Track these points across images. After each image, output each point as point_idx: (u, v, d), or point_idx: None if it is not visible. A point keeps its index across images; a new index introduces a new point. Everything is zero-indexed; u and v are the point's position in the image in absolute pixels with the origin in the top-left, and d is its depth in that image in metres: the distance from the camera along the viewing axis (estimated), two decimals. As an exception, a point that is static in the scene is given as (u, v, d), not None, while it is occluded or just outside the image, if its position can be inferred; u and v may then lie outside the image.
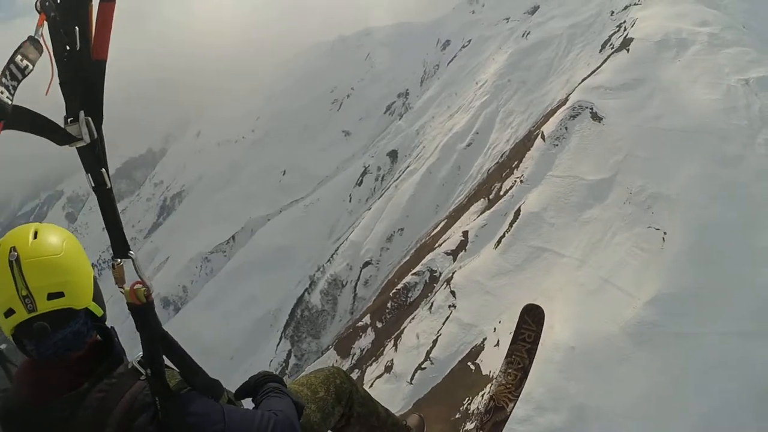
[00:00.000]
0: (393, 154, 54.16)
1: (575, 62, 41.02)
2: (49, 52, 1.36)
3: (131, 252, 1.64)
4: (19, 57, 1.30)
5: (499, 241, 23.78)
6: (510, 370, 3.86)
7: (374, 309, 29.49)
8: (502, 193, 26.85)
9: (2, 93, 1.25)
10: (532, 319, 3.94)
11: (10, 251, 1.56)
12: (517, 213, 24.28)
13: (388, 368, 24.47)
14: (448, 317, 23.03)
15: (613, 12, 40.78)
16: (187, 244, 68.15)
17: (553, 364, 17.63)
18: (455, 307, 23.01)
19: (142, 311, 1.64)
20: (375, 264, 38.87)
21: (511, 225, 23.97)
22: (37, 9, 1.32)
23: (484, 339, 21.19)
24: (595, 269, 21.26)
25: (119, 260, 1.65)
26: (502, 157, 35.48)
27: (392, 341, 25.73)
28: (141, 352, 1.70)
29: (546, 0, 54.02)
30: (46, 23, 1.34)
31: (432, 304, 24.30)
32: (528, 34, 50.12)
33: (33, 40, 1.31)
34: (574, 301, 20.14)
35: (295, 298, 43.58)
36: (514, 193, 25.59)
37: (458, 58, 61.77)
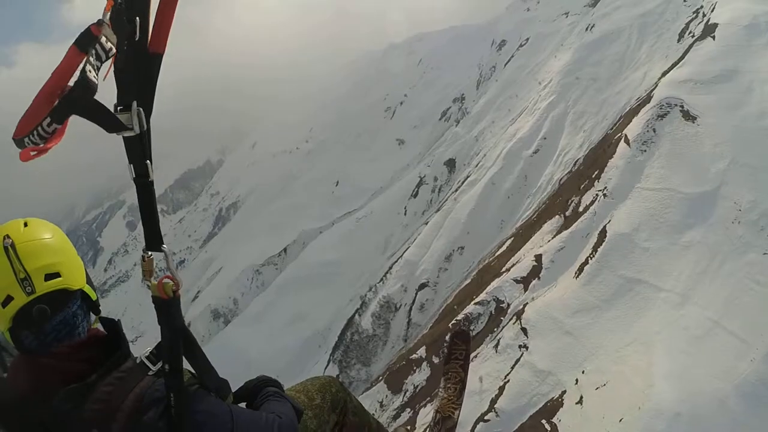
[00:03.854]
0: (450, 163, 51.02)
1: (651, 54, 37.73)
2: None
3: (164, 246, 1.58)
4: (104, 38, 1.30)
5: (580, 269, 19.90)
6: (449, 385, 4.19)
7: (431, 341, 26.12)
8: (581, 209, 22.90)
9: (90, 72, 1.26)
10: (460, 340, 4.31)
11: (4, 239, 1.60)
12: (602, 234, 20.34)
13: (447, 413, 21.03)
14: (518, 360, 19.37)
15: (685, -2, 37.42)
16: (239, 255, 68.18)
17: (655, 437, 13.92)
18: (527, 348, 19.31)
19: (168, 306, 1.59)
20: (432, 286, 35.44)
21: (595, 249, 20.05)
22: None
23: (563, 392, 17.41)
24: (702, 308, 17.40)
25: (150, 253, 1.58)
26: (575, 165, 31.45)
27: (451, 381, 22.30)
28: (149, 348, 1.72)
29: (607, -10, 50.06)
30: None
31: (498, 341, 20.70)
32: (592, 27, 46.85)
33: (105, 24, 1.30)
34: (677, 349, 16.41)
35: (345, 318, 40.94)
36: (596, 209, 21.63)
37: (516, 58, 58.66)
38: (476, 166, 43.79)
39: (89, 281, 1.80)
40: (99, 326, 1.82)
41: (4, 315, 1.59)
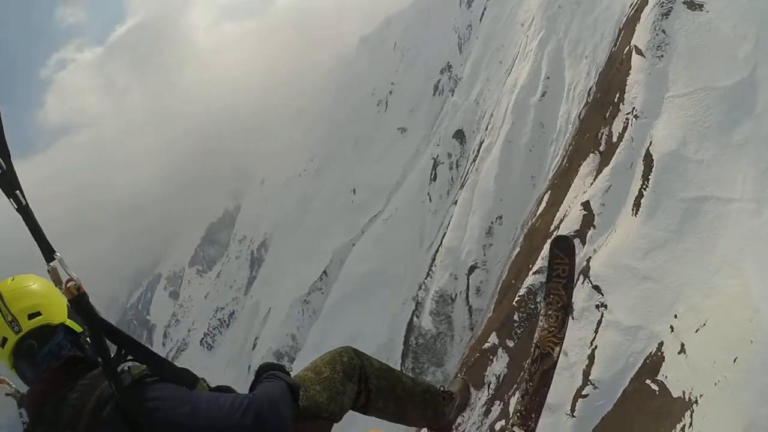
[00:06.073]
0: (459, 135, 49.28)
1: (630, -40, 34.84)
2: None
3: (57, 254, 1.72)
4: None
5: (637, 204, 17.92)
6: (550, 312, 3.62)
7: (499, 324, 24.41)
8: (614, 139, 20.87)
9: None
10: (563, 252, 3.65)
11: None
12: (648, 159, 18.32)
13: (540, 398, 19.28)
14: (599, 322, 17.49)
15: None
16: (283, 290, 67.62)
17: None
18: (605, 306, 17.42)
19: (78, 303, 1.72)
20: (482, 266, 33.72)
21: (645, 178, 18.02)
22: None
23: (660, 344, 15.48)
24: (781, 209, 15.24)
25: (51, 264, 1.73)
26: (589, 95, 29.22)
27: (534, 362, 20.54)
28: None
29: None
30: None
31: (572, 307, 18.79)
32: (558, -47, 44.01)
33: None
34: (770, 262, 14.21)
35: (404, 324, 39.54)
36: (632, 134, 19.59)
37: (489, 9, 57.02)
38: (486, 129, 41.82)
39: (73, 317, 2.04)
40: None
41: (4, 354, 1.91)
